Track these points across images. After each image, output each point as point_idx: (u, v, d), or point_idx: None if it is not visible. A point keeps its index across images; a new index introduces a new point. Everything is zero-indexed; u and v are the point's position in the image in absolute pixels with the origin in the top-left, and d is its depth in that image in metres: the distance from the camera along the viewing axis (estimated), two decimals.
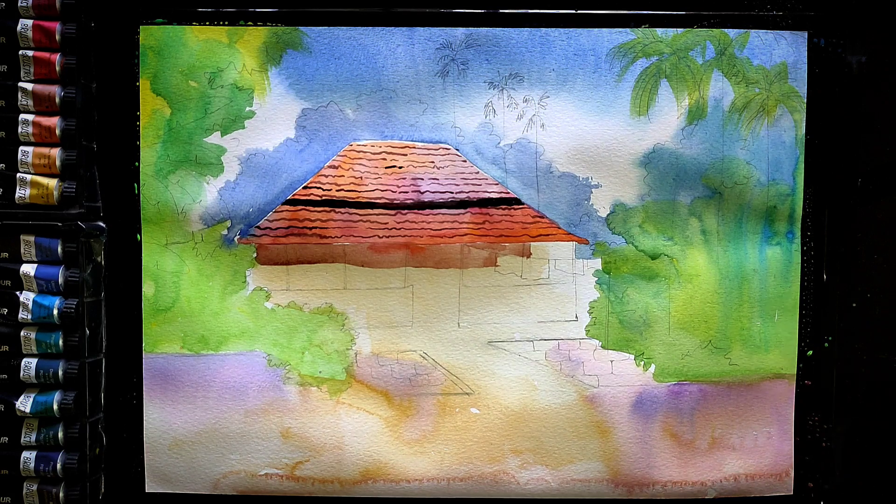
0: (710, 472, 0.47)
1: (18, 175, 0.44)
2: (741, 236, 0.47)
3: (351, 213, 0.46)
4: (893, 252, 0.48)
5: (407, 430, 0.47)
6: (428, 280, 0.47)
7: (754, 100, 0.46)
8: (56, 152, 0.44)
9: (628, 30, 0.46)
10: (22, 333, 0.45)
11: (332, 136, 0.46)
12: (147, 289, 0.47)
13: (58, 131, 0.44)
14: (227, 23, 0.46)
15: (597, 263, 0.47)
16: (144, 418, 0.47)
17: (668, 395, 0.47)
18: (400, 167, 0.47)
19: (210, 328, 0.47)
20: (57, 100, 0.44)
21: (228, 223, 0.47)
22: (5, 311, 0.45)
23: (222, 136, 0.46)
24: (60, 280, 0.45)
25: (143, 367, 0.47)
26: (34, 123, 0.44)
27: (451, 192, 0.47)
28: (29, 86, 0.44)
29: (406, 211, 0.47)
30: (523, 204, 0.47)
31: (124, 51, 0.46)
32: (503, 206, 0.47)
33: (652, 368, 0.47)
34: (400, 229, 0.47)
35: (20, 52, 0.44)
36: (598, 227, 0.47)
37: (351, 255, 0.47)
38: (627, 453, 0.47)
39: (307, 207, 0.46)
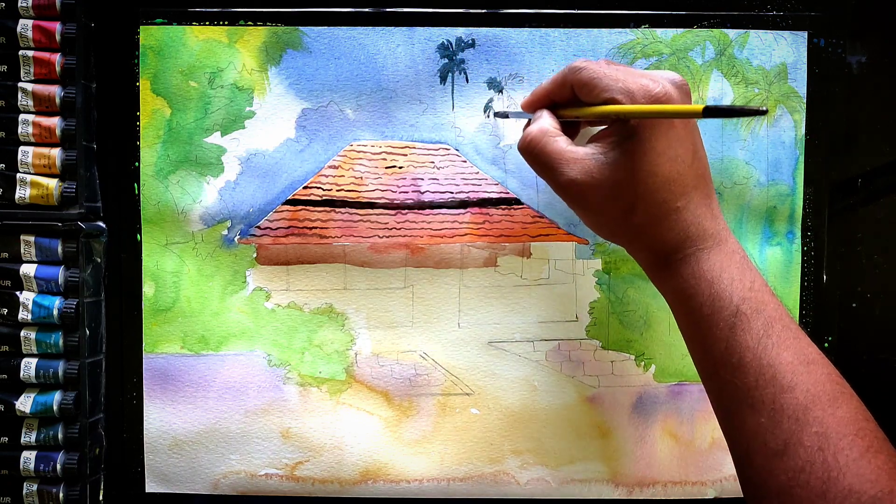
0: (710, 472, 0.47)
1: (18, 175, 0.44)
2: (741, 236, 0.47)
3: (351, 213, 0.46)
4: (893, 252, 0.47)
5: (407, 431, 0.47)
6: (428, 280, 0.47)
7: (754, 100, 0.46)
8: (56, 152, 0.44)
9: (628, 30, 0.46)
10: (22, 333, 0.45)
11: (332, 136, 0.46)
12: (147, 289, 0.47)
13: (58, 131, 0.44)
14: (227, 23, 0.46)
15: (597, 263, 0.47)
16: (144, 418, 0.47)
17: (668, 395, 0.47)
18: (400, 167, 0.47)
19: (210, 328, 0.47)
20: (57, 100, 0.44)
21: (228, 223, 0.47)
22: (5, 311, 0.45)
23: (222, 136, 0.46)
24: (60, 280, 0.45)
25: (143, 367, 0.47)
26: (34, 124, 0.44)
27: (451, 192, 0.47)
28: (29, 86, 0.44)
29: (406, 211, 0.47)
30: (523, 204, 0.47)
31: (124, 51, 0.46)
32: (503, 206, 0.47)
33: (652, 369, 0.47)
34: (400, 229, 0.47)
35: (20, 52, 0.44)
36: None
37: (351, 255, 0.47)
38: (627, 453, 0.47)
39: (307, 207, 0.46)
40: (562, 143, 0.37)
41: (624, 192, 0.36)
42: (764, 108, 0.31)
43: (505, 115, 0.45)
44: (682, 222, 0.36)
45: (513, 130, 0.46)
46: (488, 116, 0.46)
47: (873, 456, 0.31)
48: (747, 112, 0.31)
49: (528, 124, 0.41)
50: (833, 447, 0.31)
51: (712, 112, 0.32)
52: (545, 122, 0.39)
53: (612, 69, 0.36)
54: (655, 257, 0.38)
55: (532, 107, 0.41)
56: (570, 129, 0.40)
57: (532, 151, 0.38)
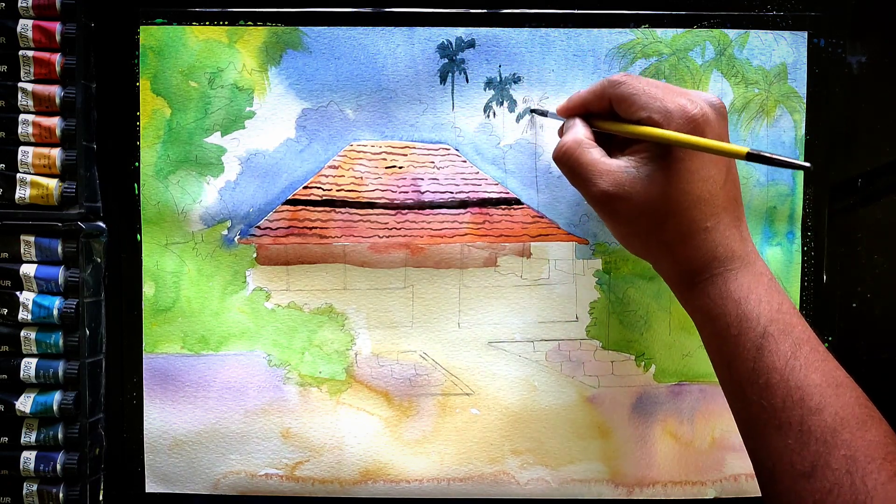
0: (710, 472, 0.47)
1: (18, 175, 0.44)
2: None
3: (351, 213, 0.46)
4: (893, 252, 0.47)
5: (407, 431, 0.47)
6: (428, 280, 0.47)
7: (754, 100, 0.46)
8: (56, 152, 0.44)
9: (628, 30, 0.46)
10: (22, 333, 0.45)
11: (332, 136, 0.46)
12: (147, 289, 0.47)
13: (58, 131, 0.44)
14: (227, 23, 0.46)
15: (597, 263, 0.47)
16: (144, 418, 0.47)
17: (668, 395, 0.47)
18: (400, 167, 0.47)
19: (210, 328, 0.47)
20: (57, 100, 0.44)
21: (228, 223, 0.47)
22: (5, 311, 0.45)
23: (222, 136, 0.46)
24: (60, 280, 0.45)
25: (143, 367, 0.47)
26: (34, 124, 0.44)
27: (451, 192, 0.47)
28: (29, 86, 0.44)
29: (406, 211, 0.47)
30: (523, 204, 0.47)
31: (124, 51, 0.46)
32: (503, 206, 0.47)
33: (652, 369, 0.47)
34: (400, 229, 0.47)
35: (20, 52, 0.44)
36: (598, 227, 0.47)
37: (351, 255, 0.47)
38: (627, 453, 0.47)
39: (307, 207, 0.46)
40: (595, 154, 0.37)
41: (654, 207, 0.36)
42: (808, 165, 0.32)
43: (543, 114, 0.45)
44: (710, 242, 0.36)
45: (512, 130, 0.46)
46: (527, 115, 0.46)
47: None
48: (792, 165, 0.32)
49: (560, 129, 0.41)
50: (861, 471, 0.31)
51: (755, 157, 0.32)
52: (579, 131, 0.39)
53: (651, 87, 0.36)
54: (682, 276, 0.38)
55: (567, 112, 0.41)
56: (606, 138, 0.40)
57: (567, 162, 0.38)
